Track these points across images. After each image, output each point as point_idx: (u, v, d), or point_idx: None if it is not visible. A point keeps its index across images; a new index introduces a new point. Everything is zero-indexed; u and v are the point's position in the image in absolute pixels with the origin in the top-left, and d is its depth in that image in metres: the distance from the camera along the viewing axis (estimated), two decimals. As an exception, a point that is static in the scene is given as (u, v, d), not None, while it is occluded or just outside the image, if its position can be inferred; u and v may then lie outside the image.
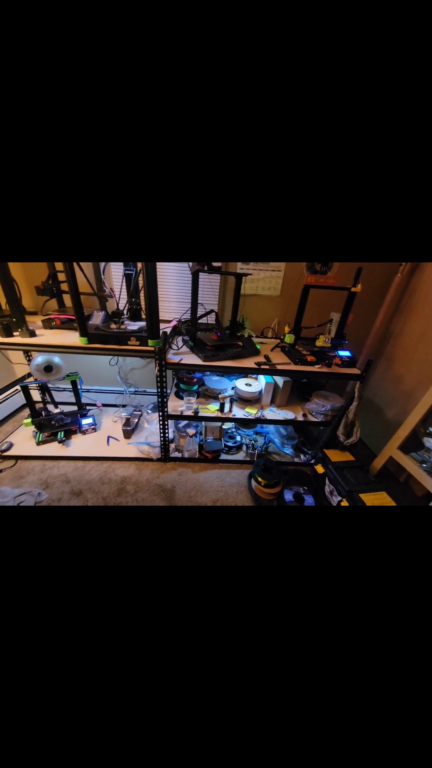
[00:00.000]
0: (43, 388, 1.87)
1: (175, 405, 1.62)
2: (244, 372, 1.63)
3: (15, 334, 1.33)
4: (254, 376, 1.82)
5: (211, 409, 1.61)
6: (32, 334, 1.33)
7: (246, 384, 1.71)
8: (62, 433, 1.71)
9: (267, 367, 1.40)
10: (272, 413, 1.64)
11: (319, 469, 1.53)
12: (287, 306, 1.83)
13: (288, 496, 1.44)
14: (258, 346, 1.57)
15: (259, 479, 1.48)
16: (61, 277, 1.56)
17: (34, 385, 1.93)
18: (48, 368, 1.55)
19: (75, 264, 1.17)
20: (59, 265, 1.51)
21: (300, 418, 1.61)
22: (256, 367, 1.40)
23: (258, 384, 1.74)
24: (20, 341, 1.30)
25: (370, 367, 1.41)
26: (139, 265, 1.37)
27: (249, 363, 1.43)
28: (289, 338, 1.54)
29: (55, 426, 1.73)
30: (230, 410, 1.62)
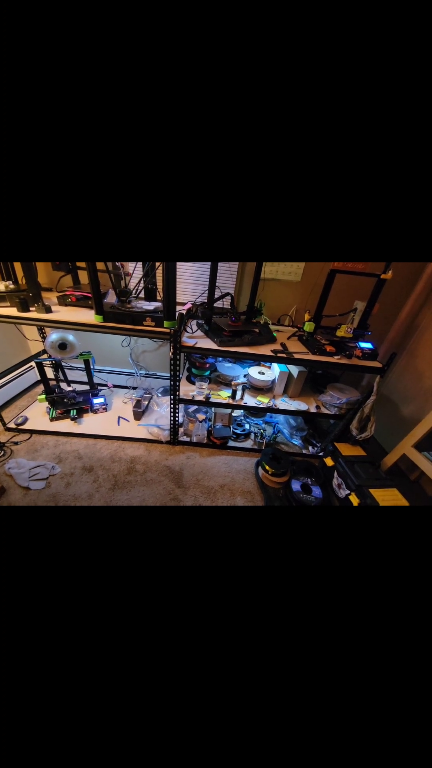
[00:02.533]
0: (57, 366, 1.90)
1: (186, 389, 1.61)
2: (259, 359, 1.60)
3: (31, 309, 1.32)
4: (268, 364, 1.78)
5: (223, 395, 1.59)
6: (48, 309, 1.32)
7: (259, 372, 1.68)
8: (75, 411, 1.74)
9: (284, 355, 1.36)
10: (284, 403, 1.61)
11: (329, 461, 1.52)
12: (308, 293, 1.75)
13: (295, 486, 1.44)
14: (274, 334, 1.52)
15: (267, 467, 1.48)
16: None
17: (48, 362, 1.96)
18: (62, 346, 1.56)
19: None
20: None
21: (313, 409, 1.58)
22: (273, 354, 1.36)
23: (271, 373, 1.70)
24: (36, 316, 1.29)
25: (393, 360, 1.34)
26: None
27: (265, 350, 1.39)
28: (308, 326, 1.48)
29: (67, 404, 1.76)
30: (242, 398, 1.60)
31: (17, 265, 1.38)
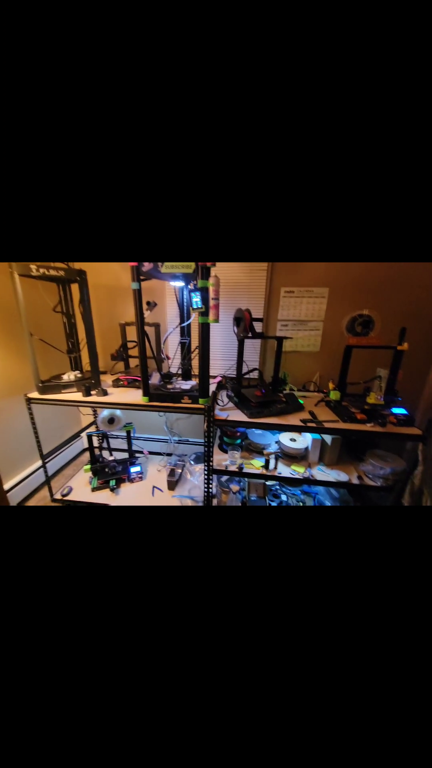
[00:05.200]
0: (104, 436, 2.11)
1: (219, 459, 1.65)
2: (290, 429, 1.63)
3: (92, 393, 1.61)
4: (298, 430, 1.79)
5: (256, 465, 1.59)
6: (105, 393, 1.59)
7: (291, 439, 1.68)
8: (114, 480, 1.84)
9: (314, 425, 1.39)
10: (321, 473, 1.54)
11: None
12: (328, 360, 1.88)
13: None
14: (301, 401, 1.59)
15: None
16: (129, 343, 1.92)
17: (97, 434, 2.20)
18: (111, 420, 1.78)
19: (145, 337, 1.46)
20: (129, 334, 1.86)
21: (355, 480, 1.48)
22: (303, 425, 1.40)
23: (304, 440, 1.69)
24: (96, 400, 1.56)
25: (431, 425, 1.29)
26: (194, 335, 1.62)
27: (294, 420, 1.44)
28: (334, 395, 1.54)
29: (108, 473, 1.87)
30: (275, 467, 1.57)
31: (83, 355, 1.76)
